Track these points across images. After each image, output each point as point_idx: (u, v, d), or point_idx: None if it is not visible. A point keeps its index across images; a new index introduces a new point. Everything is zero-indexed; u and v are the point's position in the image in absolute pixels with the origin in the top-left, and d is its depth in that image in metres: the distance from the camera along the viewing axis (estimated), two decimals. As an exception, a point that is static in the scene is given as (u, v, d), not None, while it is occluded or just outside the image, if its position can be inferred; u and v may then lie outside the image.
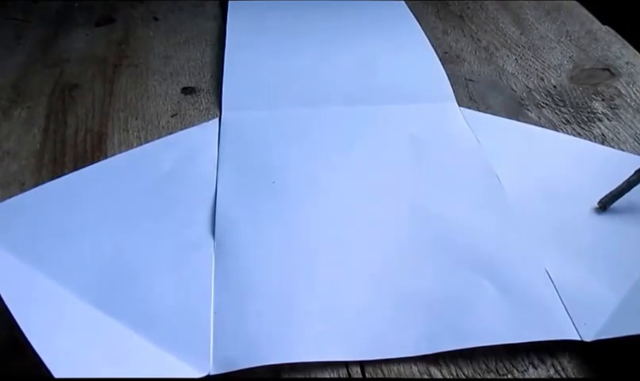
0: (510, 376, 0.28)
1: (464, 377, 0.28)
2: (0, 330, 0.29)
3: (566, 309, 0.30)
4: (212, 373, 0.28)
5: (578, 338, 0.29)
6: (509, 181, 0.38)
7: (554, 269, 0.32)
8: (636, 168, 0.36)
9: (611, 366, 0.29)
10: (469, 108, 0.45)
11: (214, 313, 0.30)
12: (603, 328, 0.29)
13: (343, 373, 0.28)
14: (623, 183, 0.35)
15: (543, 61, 0.52)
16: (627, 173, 0.36)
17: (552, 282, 0.32)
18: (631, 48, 0.53)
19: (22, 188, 0.37)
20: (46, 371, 0.25)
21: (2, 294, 0.28)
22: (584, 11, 0.60)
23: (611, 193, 0.35)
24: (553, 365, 0.28)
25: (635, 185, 0.35)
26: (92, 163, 0.39)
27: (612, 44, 0.53)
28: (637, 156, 0.40)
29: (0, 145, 0.41)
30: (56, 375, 0.25)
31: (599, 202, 0.36)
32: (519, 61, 0.52)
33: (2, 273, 0.31)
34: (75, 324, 0.29)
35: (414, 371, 0.28)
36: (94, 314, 0.30)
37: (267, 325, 0.29)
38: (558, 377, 0.28)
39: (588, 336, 0.29)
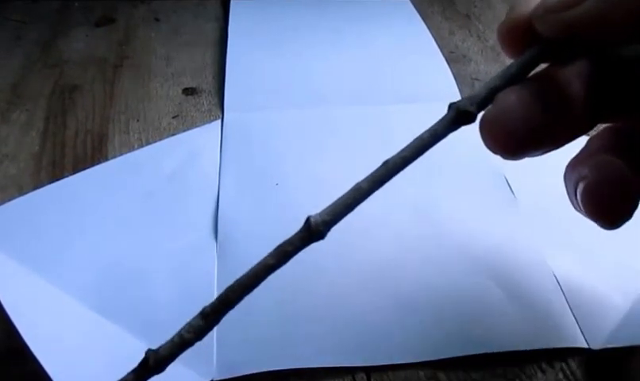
0: (517, 380, 0.27)
1: (472, 381, 0.27)
2: (-1, 336, 0.29)
3: (574, 316, 0.30)
4: (215, 379, 0.27)
5: (586, 346, 0.28)
6: (517, 182, 0.37)
7: (563, 274, 0.32)
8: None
9: (621, 371, 0.28)
10: (475, 107, 0.45)
11: None
12: (612, 336, 0.29)
13: (348, 379, 0.27)
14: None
15: (550, 60, 0.51)
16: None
17: (560, 288, 0.31)
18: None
19: (21, 191, 0.36)
20: (47, 379, 0.24)
21: (1, 299, 0.27)
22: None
23: None
24: (562, 369, 0.28)
25: None
26: (92, 165, 0.38)
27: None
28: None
29: (-1, 148, 0.40)
30: None
31: None
32: (526, 60, 0.51)
33: (1, 277, 0.30)
34: (76, 329, 0.29)
35: (421, 375, 0.27)
36: (96, 319, 0.29)
37: (271, 330, 0.29)
38: (567, 381, 0.27)
39: (596, 345, 0.28)
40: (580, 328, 0.29)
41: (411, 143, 0.22)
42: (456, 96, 0.45)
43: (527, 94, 0.21)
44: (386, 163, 0.22)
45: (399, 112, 0.44)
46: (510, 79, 0.21)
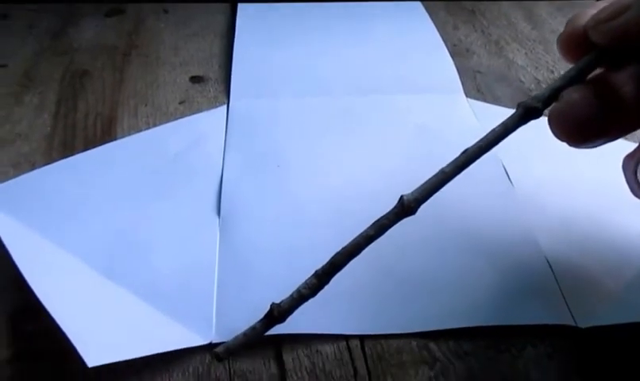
0: (507, 353, 0.28)
1: (462, 352, 0.28)
2: (13, 295, 0.30)
3: (563, 296, 0.30)
4: (214, 341, 0.28)
5: (573, 324, 0.29)
6: (515, 169, 0.38)
7: (554, 258, 0.33)
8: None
9: (610, 347, 0.29)
10: (477, 99, 0.45)
11: (217, 284, 0.31)
12: (599, 315, 0.30)
13: (342, 346, 0.28)
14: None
15: (554, 54, 0.52)
16: None
17: (551, 270, 0.32)
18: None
19: (33, 168, 0.38)
20: (61, 334, 0.25)
21: (17, 262, 0.29)
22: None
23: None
24: (552, 344, 0.29)
25: None
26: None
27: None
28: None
29: (12, 128, 0.41)
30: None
31: None
32: (529, 55, 0.52)
33: (16, 244, 0.31)
34: (85, 290, 0.30)
35: (413, 345, 0.28)
36: (105, 283, 0.31)
37: (269, 297, 0.30)
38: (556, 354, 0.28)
39: (584, 323, 0.29)
40: (568, 306, 0.30)
41: (486, 135, 0.25)
42: (458, 88, 0.46)
43: (588, 92, 0.24)
44: (465, 151, 0.25)
45: (400, 101, 0.44)
46: (570, 81, 0.24)
